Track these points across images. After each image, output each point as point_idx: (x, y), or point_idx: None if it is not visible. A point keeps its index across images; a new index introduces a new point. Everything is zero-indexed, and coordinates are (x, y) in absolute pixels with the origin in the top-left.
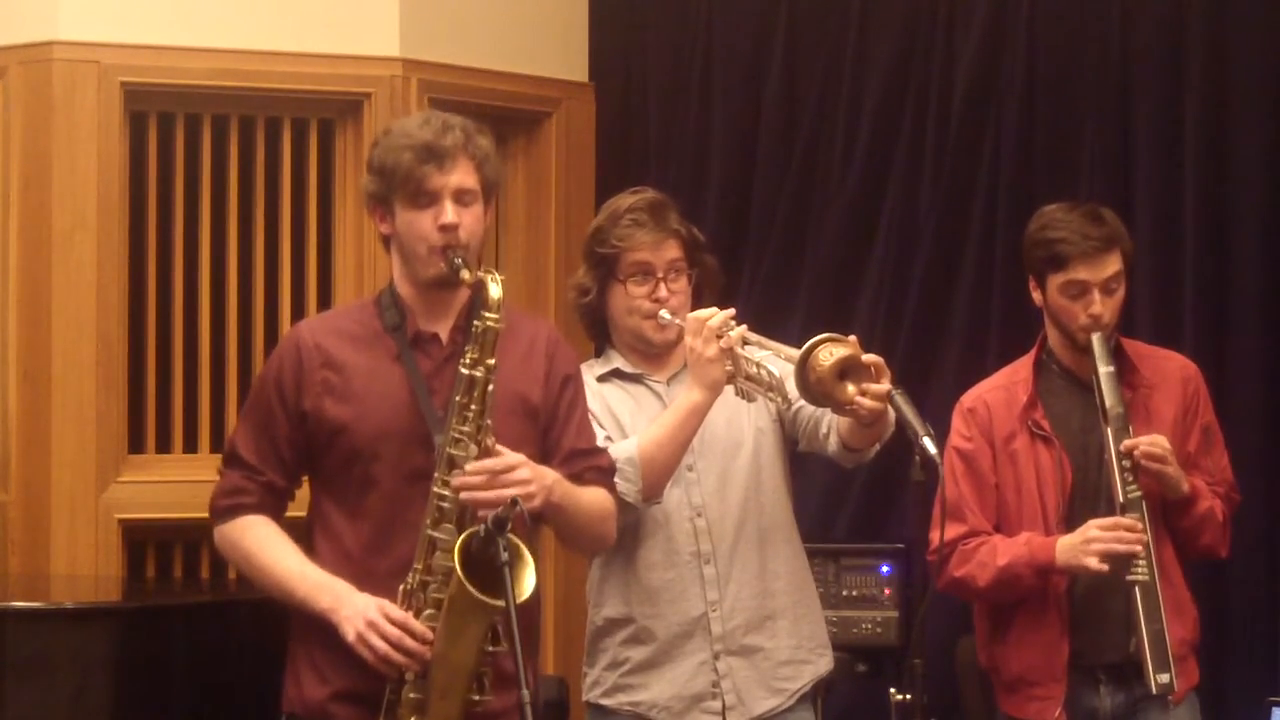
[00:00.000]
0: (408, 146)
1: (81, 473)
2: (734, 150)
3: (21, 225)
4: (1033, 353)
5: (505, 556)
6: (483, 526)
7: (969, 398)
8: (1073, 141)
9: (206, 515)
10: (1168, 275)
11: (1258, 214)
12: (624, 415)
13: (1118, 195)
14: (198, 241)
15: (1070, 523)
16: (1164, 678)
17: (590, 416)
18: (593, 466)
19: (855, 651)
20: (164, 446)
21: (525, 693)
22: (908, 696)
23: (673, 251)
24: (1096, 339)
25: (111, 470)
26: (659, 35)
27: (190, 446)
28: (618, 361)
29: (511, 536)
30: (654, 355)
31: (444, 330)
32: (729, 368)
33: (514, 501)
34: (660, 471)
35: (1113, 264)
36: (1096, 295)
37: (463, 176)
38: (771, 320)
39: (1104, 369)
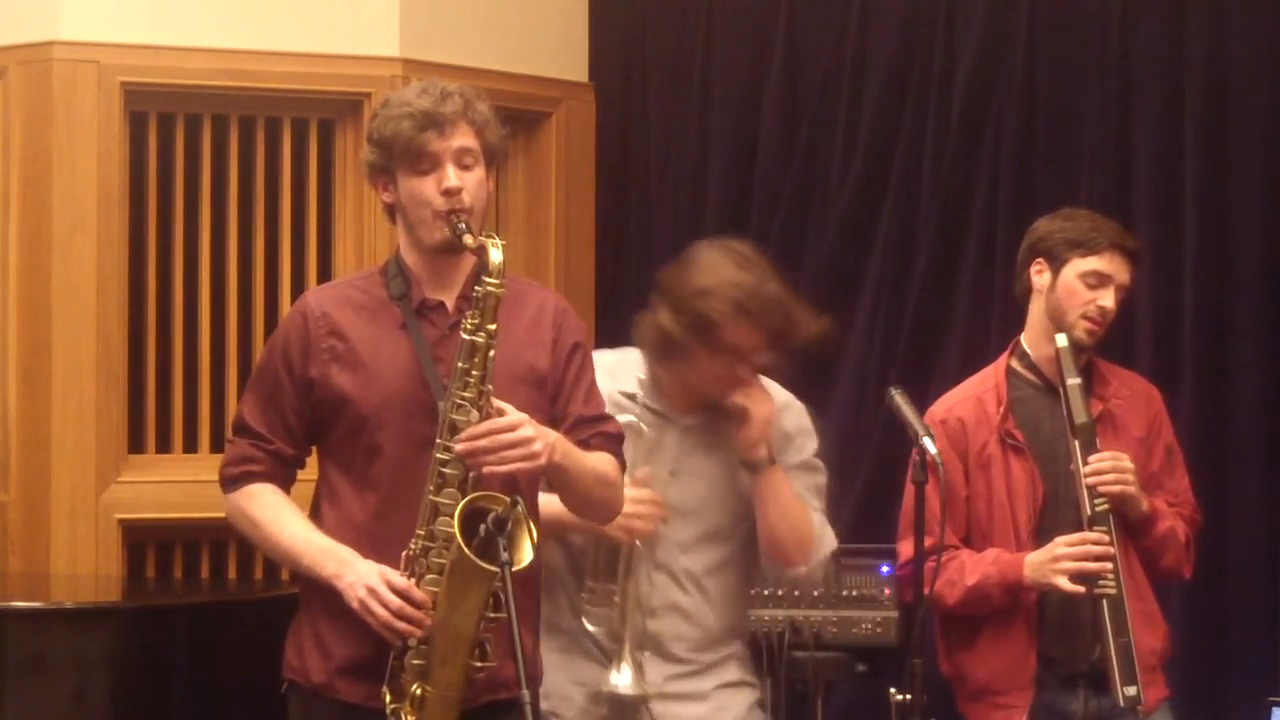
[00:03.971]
0: (407, 115)
1: (81, 473)
2: (734, 150)
3: (21, 225)
4: (1002, 359)
5: (505, 557)
6: (483, 526)
7: (939, 409)
8: (1073, 141)
9: (207, 515)
10: (1167, 276)
11: (1258, 214)
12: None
13: (1118, 195)
14: (198, 241)
15: (1042, 534)
16: (1131, 690)
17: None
18: (600, 433)
19: (855, 651)
20: (164, 446)
21: (525, 693)
22: (908, 696)
23: (764, 347)
24: (1064, 350)
25: (111, 470)
26: (659, 35)
27: (190, 446)
28: (640, 387)
29: (506, 502)
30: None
31: (450, 298)
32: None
33: (514, 501)
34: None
35: (1129, 275)
36: (1111, 291)
37: (463, 141)
38: None
39: (1071, 380)
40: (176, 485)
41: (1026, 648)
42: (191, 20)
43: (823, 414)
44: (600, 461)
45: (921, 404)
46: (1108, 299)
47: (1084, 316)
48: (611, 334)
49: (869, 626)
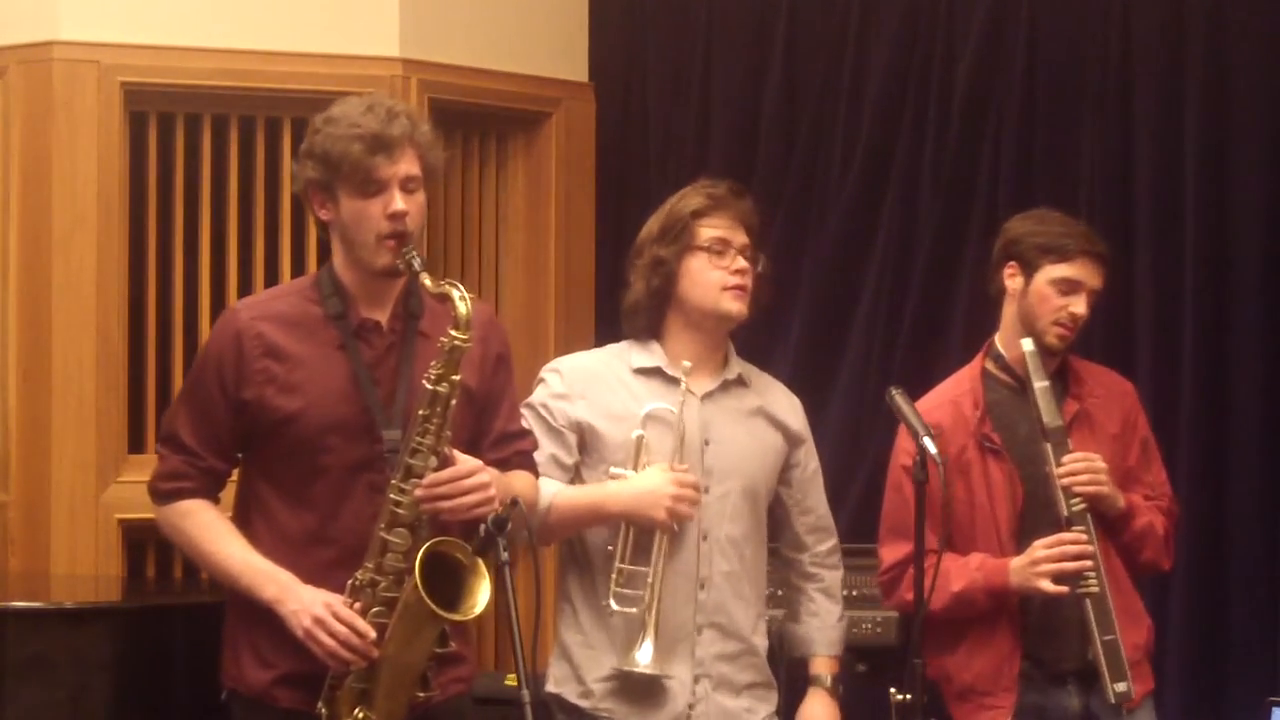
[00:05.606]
0: (357, 136)
1: (81, 473)
2: (734, 150)
3: (21, 225)
4: (976, 363)
5: (505, 556)
6: (483, 527)
7: None
8: (1073, 142)
9: None
10: (1167, 276)
11: (1258, 213)
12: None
13: (1117, 196)
14: (198, 241)
15: (1023, 535)
16: (1121, 686)
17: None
18: (519, 451)
19: (855, 651)
20: None
21: (525, 693)
22: (908, 696)
23: (744, 236)
24: (1030, 354)
25: (111, 470)
26: (659, 35)
27: None
28: (660, 359)
29: (466, 550)
30: (702, 355)
31: (384, 316)
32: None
33: (514, 501)
34: (557, 532)
35: (1100, 279)
36: (1083, 297)
37: (409, 165)
38: (772, 320)
39: (1038, 384)
40: None
41: (1011, 649)
42: (191, 20)
43: (823, 414)
44: (524, 485)
45: None
46: (1079, 305)
47: (1056, 323)
48: (611, 334)
49: (869, 626)
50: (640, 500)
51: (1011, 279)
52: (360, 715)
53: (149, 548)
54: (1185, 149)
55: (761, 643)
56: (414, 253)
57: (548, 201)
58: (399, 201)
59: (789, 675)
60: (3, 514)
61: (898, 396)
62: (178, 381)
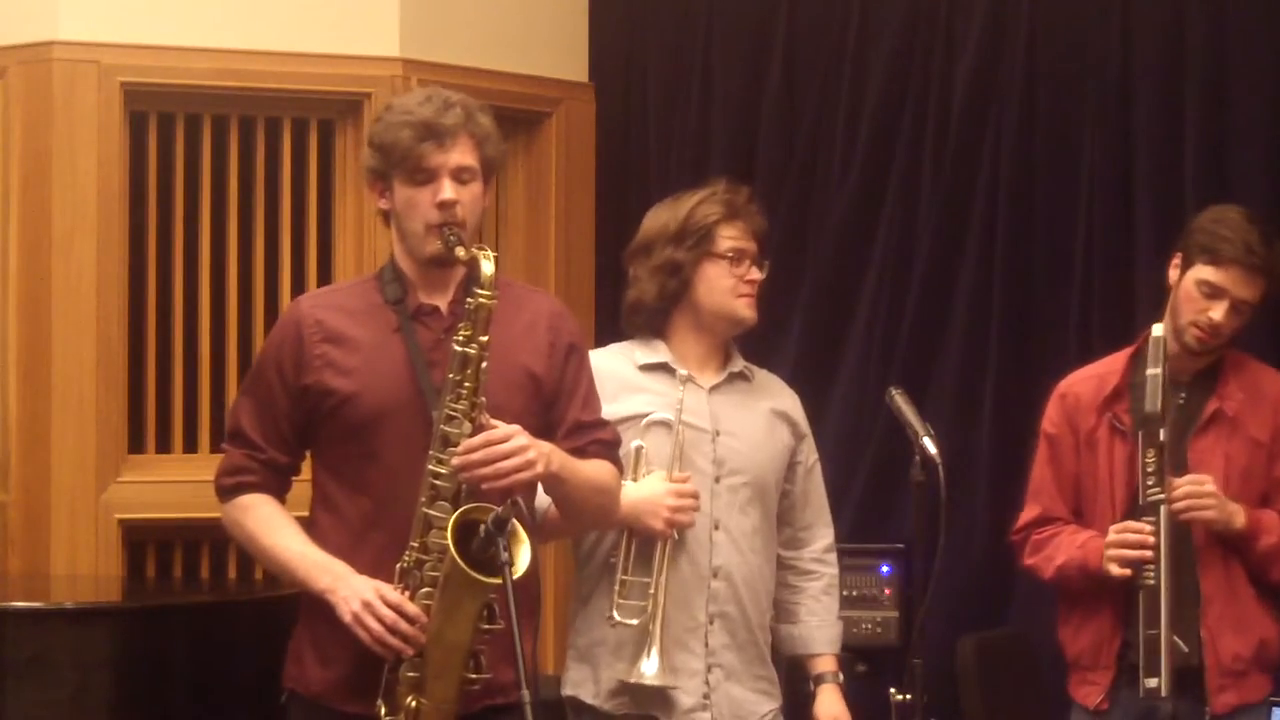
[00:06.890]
0: (408, 124)
1: (81, 473)
2: (734, 150)
3: (21, 225)
4: (1136, 345)
5: (506, 557)
6: (483, 527)
7: (1065, 383)
8: (1073, 142)
9: (207, 515)
10: (1168, 276)
11: (1259, 214)
12: (651, 407)
13: (1117, 196)
14: (198, 241)
15: (1137, 518)
16: (1151, 682)
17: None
18: (596, 440)
19: (855, 651)
20: (164, 446)
21: (525, 693)
22: (908, 696)
23: (756, 245)
24: (1155, 340)
25: (111, 470)
26: (659, 35)
27: (190, 446)
28: (665, 355)
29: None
30: (706, 353)
31: (444, 303)
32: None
33: (514, 501)
34: (554, 533)
35: (1255, 288)
36: (1225, 305)
37: (462, 155)
38: (772, 320)
39: (1150, 370)
40: (176, 485)
41: (1112, 630)
42: (191, 20)
43: (823, 414)
44: (598, 470)
45: (921, 404)
46: (1219, 311)
47: (1194, 324)
48: (612, 334)
49: (869, 626)
50: (638, 508)
51: (1174, 269)
52: (412, 703)
53: (149, 548)
54: (1185, 149)
55: (767, 637)
56: (455, 232)
57: (548, 201)
58: (448, 190)
59: (789, 675)
60: (3, 514)
61: (898, 396)
62: (178, 381)
